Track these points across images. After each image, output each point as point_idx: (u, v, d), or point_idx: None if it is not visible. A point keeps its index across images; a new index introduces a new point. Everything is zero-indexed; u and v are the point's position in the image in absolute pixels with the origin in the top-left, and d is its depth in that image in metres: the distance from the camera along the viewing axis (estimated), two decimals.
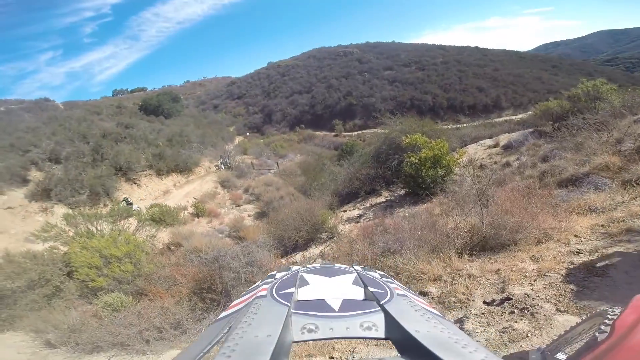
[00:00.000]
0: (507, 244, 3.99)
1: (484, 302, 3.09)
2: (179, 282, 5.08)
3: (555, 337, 2.05)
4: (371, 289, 0.53)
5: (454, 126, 25.26)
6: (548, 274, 3.14)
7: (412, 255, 4.10)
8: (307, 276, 0.60)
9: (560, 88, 17.89)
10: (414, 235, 4.59)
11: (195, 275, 4.82)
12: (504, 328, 2.62)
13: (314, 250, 7.06)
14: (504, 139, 11.04)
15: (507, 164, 8.69)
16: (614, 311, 1.12)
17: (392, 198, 9.29)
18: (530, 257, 3.58)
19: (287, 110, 50.73)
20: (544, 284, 3.02)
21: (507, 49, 71.33)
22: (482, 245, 4.18)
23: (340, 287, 0.55)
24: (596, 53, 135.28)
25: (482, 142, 12.16)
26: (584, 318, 1.73)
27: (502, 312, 2.84)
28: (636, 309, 0.96)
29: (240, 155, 25.68)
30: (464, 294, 3.28)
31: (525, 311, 2.73)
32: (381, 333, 0.41)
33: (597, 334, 0.95)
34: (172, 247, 9.06)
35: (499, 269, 3.52)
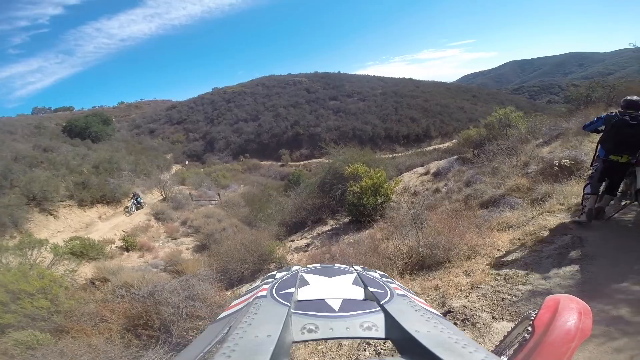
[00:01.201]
0: (442, 261, 4.31)
1: None
2: (108, 319, 4.53)
3: (497, 343, 2.25)
4: (371, 289, 0.53)
5: (390, 155, 26.66)
6: (480, 286, 3.42)
7: None
8: (307, 276, 0.60)
9: (479, 117, 20.30)
10: (359, 260, 4.74)
11: (127, 311, 4.35)
12: None
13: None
14: (433, 166, 12.08)
15: (437, 190, 9.50)
16: (536, 312, 1.28)
17: (338, 226, 9.54)
18: (463, 272, 3.88)
19: (231, 139, 49.61)
20: (478, 296, 3.27)
21: (436, 80, 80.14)
22: (421, 264, 4.46)
23: (340, 287, 0.55)
24: (507, 82, 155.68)
25: (415, 170, 13.16)
26: (516, 322, 1.94)
27: None
28: (549, 308, 1.07)
29: (178, 186, 24.04)
30: None
31: (467, 322, 2.92)
32: (381, 333, 0.41)
33: (525, 334, 1.08)
34: (96, 283, 8.09)
35: (437, 285, 3.76)
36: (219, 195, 22.80)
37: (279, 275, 0.63)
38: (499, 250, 4.21)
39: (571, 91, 13.47)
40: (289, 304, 0.46)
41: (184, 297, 4.26)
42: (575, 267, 3.35)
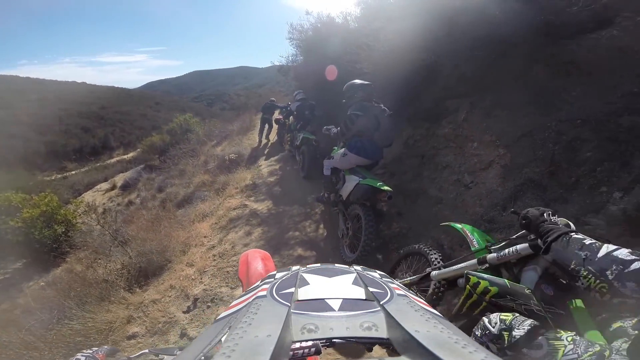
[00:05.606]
0: (163, 264, 4.59)
1: (184, 312, 3.55)
2: None
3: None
4: (371, 289, 0.54)
5: (59, 175, 22.58)
6: (206, 270, 4.11)
7: (82, 312, 3.77)
8: (306, 276, 0.61)
9: (162, 123, 21.27)
10: (68, 296, 4.19)
11: None
12: (215, 316, 3.28)
13: None
14: (119, 179, 11.74)
15: (130, 202, 9.40)
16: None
17: (8, 275, 7.66)
18: (187, 265, 4.38)
19: None
20: (209, 277, 3.94)
21: (116, 86, 74.50)
22: (144, 274, 4.54)
23: (340, 287, 0.56)
24: (190, 91, 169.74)
25: (99, 186, 12.30)
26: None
27: (203, 309, 3.46)
28: (243, 263, 1.41)
29: None
30: (163, 316, 3.57)
31: (216, 299, 3.54)
32: (381, 333, 0.42)
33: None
34: None
35: (172, 285, 4.04)
36: None
37: (278, 275, 0.65)
38: (205, 237, 5.07)
39: (235, 100, 16.96)
40: (289, 304, 0.47)
41: None
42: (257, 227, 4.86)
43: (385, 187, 3.18)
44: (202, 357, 0.38)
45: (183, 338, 3.24)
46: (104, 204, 10.30)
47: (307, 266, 0.68)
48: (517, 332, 1.15)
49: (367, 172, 3.59)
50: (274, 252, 4.09)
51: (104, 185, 11.96)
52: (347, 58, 5.43)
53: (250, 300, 0.51)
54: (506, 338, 1.16)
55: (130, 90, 75.34)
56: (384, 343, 0.41)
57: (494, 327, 1.22)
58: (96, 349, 0.98)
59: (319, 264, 0.70)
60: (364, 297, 0.52)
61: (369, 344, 0.45)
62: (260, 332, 0.38)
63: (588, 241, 1.03)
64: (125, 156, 24.11)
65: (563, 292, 1.42)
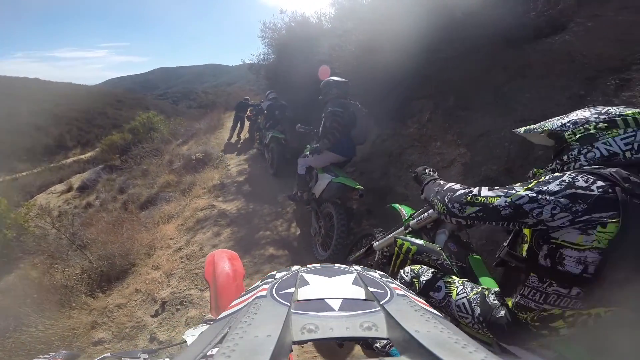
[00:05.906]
0: (126, 268, 4.47)
1: (152, 316, 3.47)
2: None
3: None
4: (371, 289, 0.54)
5: (8, 177, 21.25)
6: (173, 273, 4.03)
7: (41, 319, 3.58)
8: (306, 276, 0.61)
9: (123, 122, 20.51)
10: (24, 303, 3.96)
11: None
12: (185, 319, 3.25)
13: None
14: (76, 180, 11.25)
15: (89, 205, 9.00)
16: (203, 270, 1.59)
17: None
18: (152, 268, 4.28)
19: None
20: (177, 280, 3.87)
21: (74, 82, 71.65)
22: (107, 278, 4.41)
23: (340, 287, 0.56)
24: (154, 88, 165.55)
25: (53, 188, 11.72)
26: None
27: (172, 313, 3.40)
28: (209, 264, 1.45)
29: None
30: (130, 321, 3.47)
31: (185, 302, 3.47)
32: (381, 333, 0.42)
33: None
34: None
35: (137, 289, 3.94)
36: None
37: (278, 275, 0.65)
38: (171, 239, 4.97)
39: (203, 98, 16.66)
40: (289, 304, 0.48)
41: None
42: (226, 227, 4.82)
43: (357, 186, 3.32)
44: (202, 357, 0.38)
45: (153, 342, 3.17)
46: (59, 206, 9.79)
47: (307, 266, 0.68)
48: (423, 278, 1.53)
49: (340, 170, 3.69)
50: (245, 252, 4.07)
51: (59, 187, 11.37)
52: (319, 58, 5.50)
53: (250, 300, 0.51)
54: (416, 284, 1.53)
55: (89, 87, 72.30)
56: (360, 340, 0.44)
57: (407, 276, 1.59)
58: (53, 353, 0.98)
59: (319, 264, 0.70)
60: (364, 297, 0.52)
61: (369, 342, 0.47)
62: (260, 332, 0.38)
63: (442, 182, 1.40)
64: (82, 156, 22.95)
65: (464, 248, 1.81)
